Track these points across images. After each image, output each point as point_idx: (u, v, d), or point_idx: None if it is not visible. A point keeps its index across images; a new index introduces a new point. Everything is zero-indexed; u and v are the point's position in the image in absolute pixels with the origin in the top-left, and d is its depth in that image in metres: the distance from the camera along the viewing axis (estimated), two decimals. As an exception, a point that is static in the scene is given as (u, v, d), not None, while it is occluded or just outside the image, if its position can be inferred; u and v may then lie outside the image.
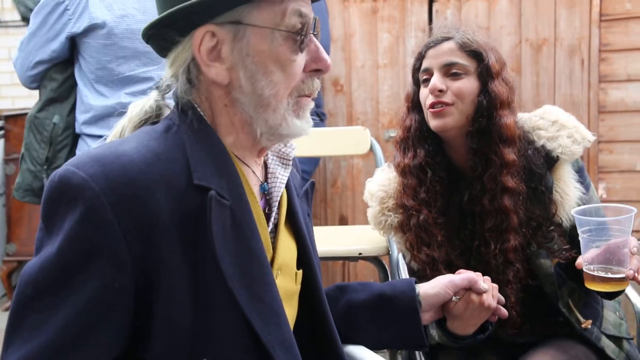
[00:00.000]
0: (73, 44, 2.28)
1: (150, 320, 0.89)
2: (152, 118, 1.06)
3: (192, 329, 0.90)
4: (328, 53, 2.94)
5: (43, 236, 0.89)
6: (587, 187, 1.60)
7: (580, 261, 1.37)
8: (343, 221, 3.57)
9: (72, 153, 2.38)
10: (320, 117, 3.04)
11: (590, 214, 1.39)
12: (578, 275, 1.47)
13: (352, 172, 3.55)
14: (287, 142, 1.10)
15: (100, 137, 2.26)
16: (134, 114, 1.06)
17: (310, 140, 2.55)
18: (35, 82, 2.37)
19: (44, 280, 0.86)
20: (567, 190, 1.55)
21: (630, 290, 1.73)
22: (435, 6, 3.37)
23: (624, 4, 3.10)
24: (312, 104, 1.04)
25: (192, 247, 0.90)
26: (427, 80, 1.56)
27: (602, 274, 1.34)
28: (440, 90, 1.51)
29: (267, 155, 1.12)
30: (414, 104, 1.62)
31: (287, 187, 1.14)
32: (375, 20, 3.46)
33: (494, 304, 1.29)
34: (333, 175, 3.58)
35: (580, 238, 1.37)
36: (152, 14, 2.18)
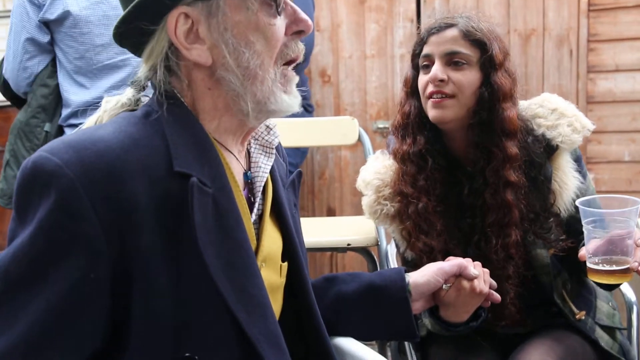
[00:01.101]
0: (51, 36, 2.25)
1: (129, 312, 0.86)
2: (128, 110, 1.03)
3: (174, 321, 0.87)
4: (312, 37, 2.92)
5: (16, 226, 0.85)
6: (584, 176, 1.59)
7: (583, 252, 1.35)
8: (331, 212, 3.55)
9: None
10: (307, 109, 3.01)
11: (594, 205, 1.37)
12: (573, 266, 1.46)
13: (339, 163, 3.52)
14: (274, 127, 1.08)
15: (78, 125, 2.27)
16: (108, 107, 1.03)
17: (298, 131, 2.53)
18: (28, 77, 2.31)
19: (15, 272, 0.82)
20: (566, 179, 1.53)
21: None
22: (423, -4, 3.34)
23: (612, -6, 3.09)
24: (297, 78, 1.02)
25: (172, 236, 0.87)
26: (427, 67, 1.52)
27: (606, 267, 1.31)
28: (441, 80, 1.47)
29: (249, 143, 1.09)
30: (413, 90, 1.58)
31: (273, 177, 1.11)
32: (362, 10, 3.42)
33: (485, 289, 1.28)
34: (321, 166, 3.55)
35: (584, 229, 1.35)
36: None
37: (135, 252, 0.84)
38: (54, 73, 2.32)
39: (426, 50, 1.52)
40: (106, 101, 1.04)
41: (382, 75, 3.43)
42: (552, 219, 1.52)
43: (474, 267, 1.28)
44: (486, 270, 1.31)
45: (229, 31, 0.93)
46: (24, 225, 0.84)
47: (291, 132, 2.41)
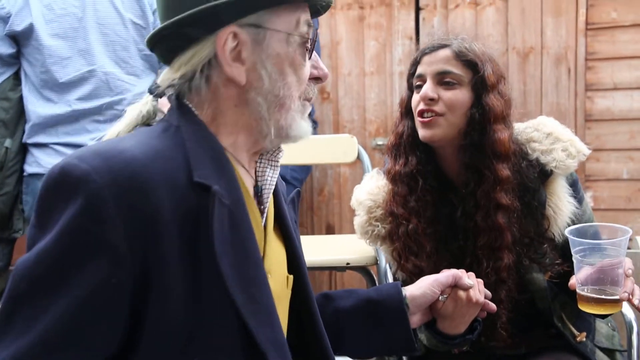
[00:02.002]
0: (17, 51, 2.21)
1: (145, 317, 0.87)
2: (146, 122, 1.07)
3: (186, 327, 0.89)
4: None
5: (36, 232, 0.86)
6: (580, 201, 1.58)
7: (573, 282, 1.35)
8: (330, 229, 3.55)
9: (20, 178, 2.26)
10: (314, 122, 3.03)
11: (584, 232, 1.36)
12: (570, 289, 1.45)
13: (339, 180, 3.52)
14: (276, 152, 1.12)
15: (45, 145, 2.20)
16: (131, 118, 1.06)
17: (298, 148, 2.52)
18: None
19: (38, 273, 0.83)
20: (561, 205, 1.52)
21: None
22: (422, 14, 3.37)
23: (610, 13, 3.12)
24: (310, 107, 1.09)
25: (190, 246, 0.89)
26: (420, 87, 1.52)
27: (596, 296, 1.31)
28: (432, 99, 1.47)
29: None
30: (407, 110, 1.58)
31: (275, 191, 1.14)
32: (362, 27, 3.45)
33: (481, 298, 1.30)
34: (320, 183, 3.56)
35: (574, 258, 1.35)
36: (90, 12, 2.17)
37: (155, 260, 0.86)
38: (16, 86, 2.25)
39: (419, 70, 1.53)
40: (130, 109, 1.08)
41: (381, 92, 3.44)
42: (546, 244, 1.51)
43: (468, 278, 1.30)
44: (480, 280, 1.33)
45: (269, 60, 0.99)
46: (45, 229, 0.85)
47: (291, 149, 2.39)
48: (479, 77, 1.48)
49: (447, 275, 1.30)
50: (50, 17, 2.14)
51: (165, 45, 1.01)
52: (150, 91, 1.06)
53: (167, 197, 0.88)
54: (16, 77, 2.27)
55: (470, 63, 1.49)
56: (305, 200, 3.55)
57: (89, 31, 2.15)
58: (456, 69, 1.49)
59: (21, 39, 2.17)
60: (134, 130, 1.04)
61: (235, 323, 0.92)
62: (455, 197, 1.54)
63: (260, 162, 1.11)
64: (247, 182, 1.05)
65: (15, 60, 2.24)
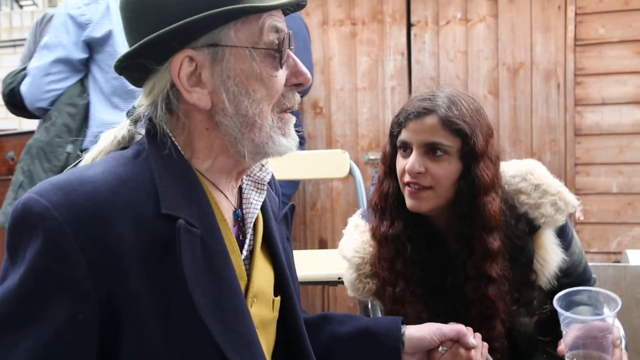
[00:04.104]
0: (88, 57, 2.24)
1: (120, 352, 0.86)
2: (122, 146, 1.03)
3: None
4: (311, 78, 2.95)
5: (8, 266, 0.86)
6: (567, 246, 1.53)
7: (562, 347, 1.31)
8: (322, 244, 3.56)
9: None
10: (299, 142, 3.03)
11: (574, 293, 1.33)
12: (557, 330, 1.43)
13: (331, 194, 3.54)
14: (266, 163, 1.09)
15: None
16: (106, 144, 1.02)
17: (290, 164, 2.55)
18: (51, 96, 2.24)
19: (4, 312, 0.82)
20: (548, 258, 1.48)
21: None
22: (413, 30, 3.41)
23: (598, 29, 3.16)
24: (294, 119, 1.03)
25: (161, 278, 0.88)
26: (404, 149, 1.44)
27: None
28: (419, 172, 1.39)
29: (242, 180, 1.09)
30: (391, 168, 1.49)
31: (264, 211, 1.12)
32: (354, 43, 3.48)
33: None
34: (312, 197, 3.57)
35: (562, 328, 1.31)
36: None
37: (123, 293, 0.85)
38: (82, 92, 2.26)
39: (404, 135, 1.43)
40: (104, 137, 1.04)
41: (373, 107, 3.47)
42: (534, 292, 1.49)
43: (473, 337, 1.26)
44: (485, 344, 1.29)
45: (231, 79, 0.93)
46: (14, 265, 0.85)
47: (283, 165, 2.40)
48: (468, 148, 1.39)
49: (452, 328, 1.25)
50: None
51: (127, 75, 1.00)
52: (128, 115, 1.03)
53: (132, 228, 0.86)
54: (82, 85, 2.29)
55: (459, 132, 1.39)
56: (298, 214, 3.56)
57: None
58: (444, 140, 1.38)
59: (97, 46, 2.21)
60: (107, 155, 0.99)
61: (214, 354, 0.90)
62: (446, 255, 1.48)
63: (246, 185, 1.08)
64: (224, 208, 1.02)
65: (83, 66, 2.27)
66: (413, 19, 3.41)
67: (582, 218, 3.22)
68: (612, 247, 3.20)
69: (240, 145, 0.96)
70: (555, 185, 1.49)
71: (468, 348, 1.24)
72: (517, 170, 1.51)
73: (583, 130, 3.21)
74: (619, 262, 3.05)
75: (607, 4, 3.13)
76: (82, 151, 2.25)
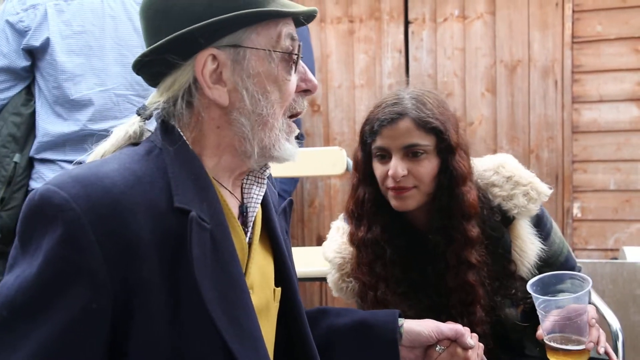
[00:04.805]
0: (32, 64, 2.17)
1: (128, 342, 0.88)
2: (133, 142, 1.05)
3: (170, 351, 0.89)
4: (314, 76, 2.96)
5: (17, 254, 0.88)
6: (546, 236, 1.57)
7: (540, 332, 1.36)
8: (320, 241, 3.54)
9: (27, 193, 2.20)
10: (298, 138, 3.03)
11: (547, 283, 1.37)
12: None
13: (329, 192, 3.54)
14: (263, 170, 1.11)
15: (52, 161, 2.15)
16: (118, 138, 1.05)
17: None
18: None
19: (20, 301, 0.84)
20: (525, 248, 1.52)
21: (606, 310, 1.74)
22: (411, 27, 3.41)
23: (595, 26, 3.17)
24: (297, 131, 1.08)
25: (171, 270, 0.90)
26: (383, 157, 1.48)
27: (563, 347, 1.32)
28: (403, 176, 1.44)
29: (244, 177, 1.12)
30: (365, 176, 1.53)
31: (265, 203, 1.14)
32: (351, 41, 3.48)
33: None
34: (310, 195, 3.58)
35: (538, 312, 1.36)
36: (110, 31, 2.13)
37: (136, 285, 0.87)
38: (28, 101, 2.20)
39: (380, 142, 1.47)
40: (117, 131, 1.07)
41: (370, 105, 3.44)
42: (516, 282, 1.52)
43: (470, 338, 1.28)
44: (481, 345, 1.31)
45: (250, 78, 0.99)
46: (26, 254, 0.86)
47: (281, 161, 2.43)
48: (443, 143, 1.45)
49: (450, 328, 1.27)
50: (67, 33, 2.10)
51: (147, 71, 1.02)
52: (138, 113, 1.06)
53: (147, 223, 0.88)
54: (28, 92, 2.23)
55: (433, 130, 1.44)
56: (296, 212, 3.57)
57: (107, 51, 2.12)
58: (421, 140, 1.44)
59: (37, 53, 2.14)
60: (118, 151, 1.02)
61: (220, 347, 0.92)
62: (426, 250, 1.51)
63: (247, 180, 1.11)
64: (231, 203, 1.04)
65: (28, 74, 2.20)
66: (410, 17, 3.41)
67: (579, 215, 3.23)
68: (610, 244, 3.21)
69: (249, 145, 1.01)
70: (526, 176, 1.53)
71: (465, 348, 1.26)
72: (489, 164, 1.56)
73: (580, 128, 3.22)
74: (616, 258, 3.06)
75: (604, 1, 3.14)
76: (30, 160, 2.22)
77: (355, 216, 1.55)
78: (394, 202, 1.47)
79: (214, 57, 0.97)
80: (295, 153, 1.06)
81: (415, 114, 1.44)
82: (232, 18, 0.95)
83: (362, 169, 1.54)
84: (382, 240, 1.50)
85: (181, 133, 1.00)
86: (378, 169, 1.49)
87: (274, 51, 0.99)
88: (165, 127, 1.01)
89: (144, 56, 0.99)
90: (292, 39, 1.02)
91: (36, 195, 0.87)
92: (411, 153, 1.44)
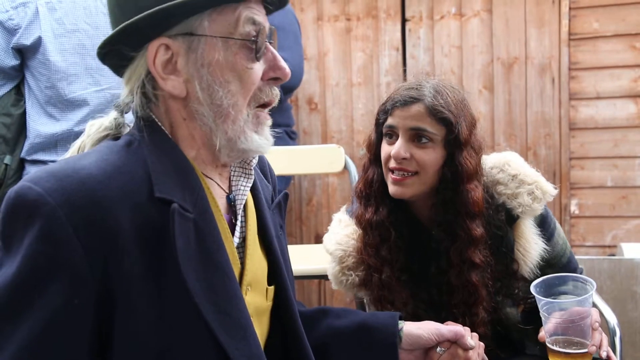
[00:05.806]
0: (21, 63, 2.14)
1: (113, 335, 0.87)
2: (111, 135, 1.04)
3: (157, 344, 0.88)
4: (301, 71, 2.96)
5: (2, 255, 0.87)
6: (550, 236, 1.57)
7: (542, 334, 1.35)
8: (319, 239, 3.55)
9: None
10: (290, 136, 3.02)
11: (550, 284, 1.37)
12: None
13: (327, 190, 3.54)
14: (247, 159, 1.09)
15: (44, 162, 2.11)
16: (92, 131, 1.03)
17: (285, 159, 2.55)
18: None
19: (2, 302, 0.83)
20: (528, 247, 1.51)
21: (604, 306, 1.74)
22: (408, 25, 3.41)
23: (592, 23, 3.17)
24: (269, 121, 1.03)
25: (155, 261, 0.89)
26: (390, 136, 1.48)
27: (565, 350, 1.31)
28: (404, 158, 1.43)
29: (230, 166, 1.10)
30: (376, 156, 1.53)
31: (257, 198, 1.13)
32: (349, 39, 3.48)
33: None
34: (308, 193, 3.57)
35: (541, 314, 1.35)
36: (104, 29, 2.11)
37: (118, 276, 0.85)
38: (18, 102, 2.17)
39: (391, 121, 1.47)
40: (90, 125, 1.05)
41: (368, 103, 3.47)
42: (518, 282, 1.51)
43: (471, 338, 1.27)
44: (482, 344, 1.31)
45: (205, 68, 0.94)
46: (9, 254, 0.85)
47: (278, 160, 2.43)
48: (452, 135, 1.43)
49: (450, 329, 1.26)
50: (59, 32, 2.08)
51: (109, 63, 1.00)
52: (115, 105, 1.04)
53: (127, 213, 0.87)
54: (18, 92, 2.19)
55: (444, 120, 1.43)
56: (294, 210, 3.56)
57: None
58: (430, 127, 1.43)
59: (27, 52, 2.11)
60: (98, 145, 1.00)
61: (207, 338, 0.91)
62: (429, 245, 1.51)
63: (234, 171, 1.09)
64: (217, 194, 1.02)
65: (17, 73, 2.16)
66: (407, 14, 3.41)
67: (577, 212, 3.23)
68: (607, 241, 3.21)
69: (214, 137, 0.97)
70: (531, 174, 1.52)
71: (466, 349, 1.25)
72: (495, 162, 1.55)
73: (578, 124, 3.22)
74: (614, 255, 3.06)
75: (601, -2, 3.14)
76: (21, 162, 2.18)
77: (364, 197, 1.54)
78: (391, 188, 1.47)
79: (167, 47, 0.94)
80: (266, 145, 1.01)
81: (429, 102, 1.43)
82: (175, 6, 0.90)
83: (374, 149, 1.54)
84: (387, 222, 1.49)
85: (159, 124, 0.98)
86: (384, 149, 1.49)
87: (230, 38, 0.94)
88: (142, 119, 0.98)
89: (100, 48, 0.96)
90: (254, 23, 0.96)
91: (12, 194, 0.85)
92: (417, 137, 1.43)
